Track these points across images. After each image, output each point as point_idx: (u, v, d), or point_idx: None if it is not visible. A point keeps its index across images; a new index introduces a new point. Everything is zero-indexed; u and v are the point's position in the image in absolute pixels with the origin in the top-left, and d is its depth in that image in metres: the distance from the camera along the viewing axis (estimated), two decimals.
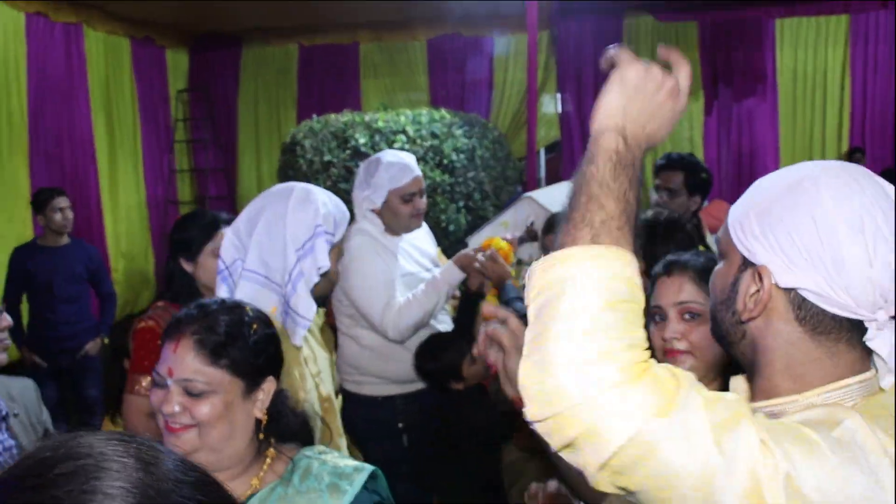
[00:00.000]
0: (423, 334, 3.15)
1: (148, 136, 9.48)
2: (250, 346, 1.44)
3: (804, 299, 0.92)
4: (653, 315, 1.61)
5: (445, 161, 5.12)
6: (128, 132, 9.02)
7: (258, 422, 1.44)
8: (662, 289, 1.61)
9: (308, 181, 5.14)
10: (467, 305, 3.03)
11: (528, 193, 3.37)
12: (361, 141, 5.10)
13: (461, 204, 5.21)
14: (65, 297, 4.60)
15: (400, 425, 3.12)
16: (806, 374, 0.94)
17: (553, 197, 3.48)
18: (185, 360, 1.42)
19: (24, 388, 2.05)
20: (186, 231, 2.59)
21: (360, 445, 3.14)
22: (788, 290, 0.93)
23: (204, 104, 10.24)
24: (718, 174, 9.47)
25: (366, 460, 2.98)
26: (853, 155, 9.08)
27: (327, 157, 5.11)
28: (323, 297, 2.13)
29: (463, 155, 5.23)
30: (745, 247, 0.97)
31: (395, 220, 3.00)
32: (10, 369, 2.07)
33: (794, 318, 0.94)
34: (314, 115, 5.55)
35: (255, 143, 10.39)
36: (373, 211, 3.01)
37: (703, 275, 1.51)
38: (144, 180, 9.46)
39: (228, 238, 2.03)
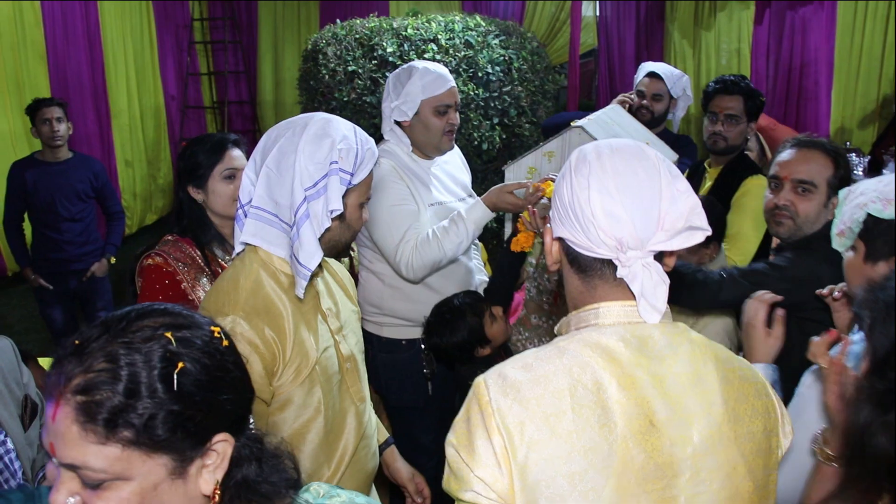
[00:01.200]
0: (458, 274, 2.88)
1: (164, 36, 9.06)
2: (173, 399, 0.96)
3: (569, 246, 1.22)
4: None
5: (480, 73, 4.70)
6: (142, 31, 8.60)
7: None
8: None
9: (331, 92, 4.79)
10: (509, 266, 2.70)
11: (579, 122, 2.98)
12: (389, 50, 4.67)
13: (496, 121, 4.82)
14: (68, 215, 4.39)
15: (425, 371, 2.91)
16: (578, 301, 1.25)
17: (605, 126, 3.10)
18: (67, 437, 0.95)
19: (1, 350, 1.83)
20: (192, 157, 2.41)
21: (380, 392, 2.96)
22: (560, 240, 1.24)
23: (224, 3, 9.73)
24: (766, 91, 8.93)
25: (385, 408, 2.76)
26: None
27: (352, 67, 4.70)
28: (343, 245, 1.83)
29: (499, 67, 4.80)
30: (550, 218, 1.27)
31: (426, 134, 2.76)
32: (16, 288, 1.83)
33: (568, 262, 1.25)
34: (338, 20, 5.10)
35: (275, 45, 9.92)
36: (401, 126, 2.77)
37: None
38: (162, 82, 9.10)
39: (245, 173, 1.77)
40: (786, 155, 2.33)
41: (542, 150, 3.07)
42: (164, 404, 0.95)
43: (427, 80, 2.69)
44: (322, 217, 1.66)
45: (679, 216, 1.15)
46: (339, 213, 1.69)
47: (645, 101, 3.84)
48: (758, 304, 1.86)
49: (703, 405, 1.13)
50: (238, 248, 1.80)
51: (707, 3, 9.42)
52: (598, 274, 1.20)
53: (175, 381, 0.97)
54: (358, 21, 5.01)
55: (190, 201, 2.44)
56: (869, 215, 1.70)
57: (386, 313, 2.87)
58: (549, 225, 1.26)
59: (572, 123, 3.03)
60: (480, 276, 3.17)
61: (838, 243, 1.78)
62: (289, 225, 1.69)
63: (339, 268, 2.05)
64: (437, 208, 2.80)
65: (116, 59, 8.05)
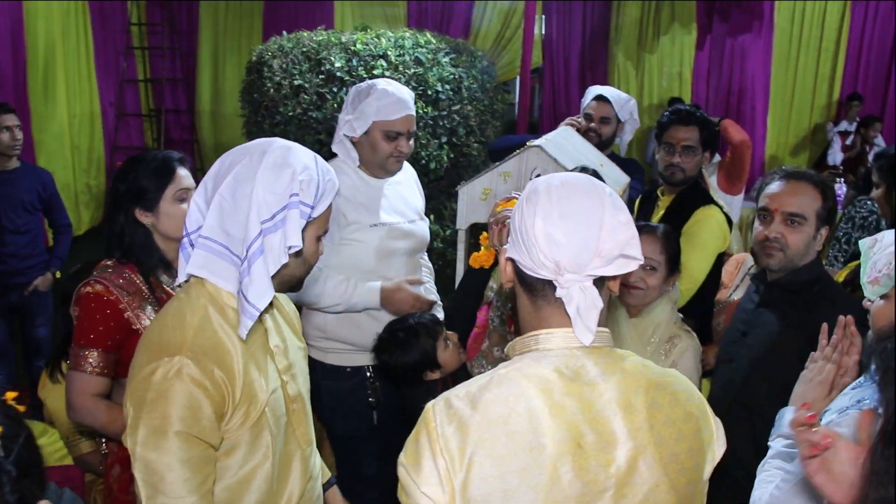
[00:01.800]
0: None
1: (102, 40, 8.76)
2: None
3: (518, 267, 1.32)
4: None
5: (429, 92, 4.63)
6: (77, 34, 8.30)
7: None
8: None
9: (276, 106, 4.65)
10: (472, 287, 2.63)
11: (536, 142, 2.94)
12: (337, 64, 4.57)
13: (444, 140, 4.76)
14: (13, 227, 4.18)
15: (370, 399, 2.82)
16: (525, 323, 1.35)
17: (562, 147, 3.07)
18: None
19: None
20: (136, 180, 2.27)
21: (323, 420, 2.86)
22: (512, 261, 1.33)
23: (162, 8, 9.47)
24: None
25: (329, 437, 2.65)
26: (851, 102, 8.75)
27: (298, 81, 4.58)
28: (297, 281, 1.74)
29: (448, 86, 4.75)
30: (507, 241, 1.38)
31: (372, 155, 2.70)
32: None
33: (519, 282, 1.34)
34: (284, 32, 4.98)
35: (215, 54, 9.70)
36: (351, 139, 2.71)
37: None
38: (98, 88, 8.79)
39: (193, 200, 1.65)
40: (775, 187, 2.33)
41: (498, 170, 3.01)
42: None
43: (383, 103, 2.63)
44: (279, 252, 1.55)
45: (615, 245, 1.25)
46: (297, 249, 1.58)
47: (593, 125, 3.81)
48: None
49: (629, 429, 1.24)
50: (181, 279, 1.67)
51: (651, 27, 9.58)
52: (541, 294, 1.31)
53: None
54: (305, 34, 4.89)
55: (134, 224, 2.30)
56: None
57: (330, 338, 2.78)
58: (506, 246, 1.37)
59: (529, 143, 2.99)
60: (430, 297, 3.10)
61: (870, 291, 1.75)
62: (240, 258, 1.57)
63: (285, 301, 1.93)
64: (383, 229, 2.73)
65: (47, 62, 7.73)
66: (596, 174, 2.59)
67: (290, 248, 1.56)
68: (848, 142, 8.43)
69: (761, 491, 1.69)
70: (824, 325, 1.88)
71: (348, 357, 2.80)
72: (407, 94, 2.70)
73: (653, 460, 1.25)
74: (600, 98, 3.85)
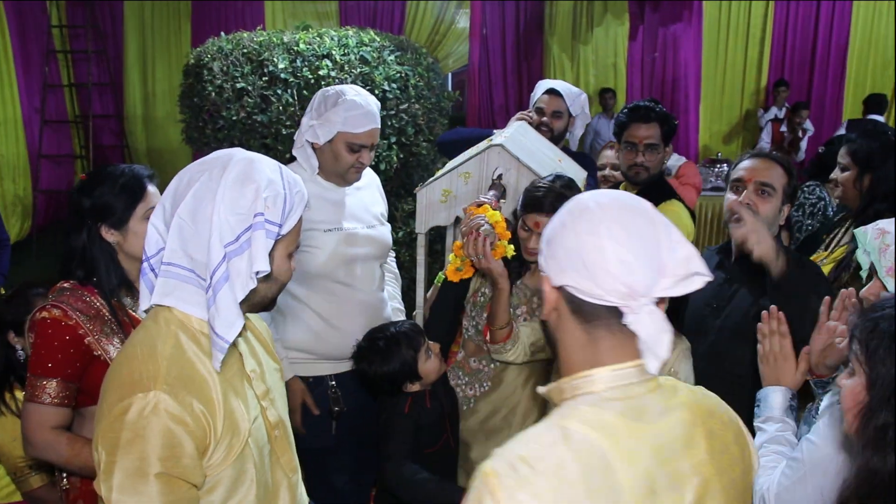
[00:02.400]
0: (363, 311, 2.76)
1: (23, 43, 8.37)
2: None
3: (572, 295, 1.20)
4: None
5: (376, 91, 4.54)
6: None
7: None
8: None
9: (218, 110, 4.49)
10: (453, 298, 2.58)
11: (497, 140, 2.88)
12: (281, 66, 4.44)
13: (393, 140, 4.68)
14: None
15: (335, 409, 2.76)
16: (573, 359, 1.24)
17: (522, 145, 3.01)
18: None
19: None
20: (104, 195, 2.16)
21: None
22: (561, 289, 1.22)
23: (84, 9, 9.11)
24: None
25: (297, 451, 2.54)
26: (778, 88, 8.97)
27: (240, 84, 4.44)
28: (269, 301, 1.63)
29: (395, 84, 4.66)
30: (542, 263, 1.27)
31: (333, 164, 2.64)
32: None
33: (570, 311, 1.23)
34: (222, 33, 4.81)
35: (143, 56, 9.39)
36: (312, 145, 2.64)
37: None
38: (20, 94, 8.40)
39: (152, 223, 1.52)
40: (748, 162, 2.47)
41: (458, 170, 2.94)
42: None
43: (350, 115, 2.56)
44: (246, 278, 1.44)
45: (679, 263, 1.18)
46: (265, 273, 1.47)
47: (545, 119, 3.74)
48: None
49: (693, 466, 1.20)
50: (144, 307, 1.56)
51: (584, 19, 9.66)
52: (603, 323, 1.21)
53: None
54: (245, 34, 4.74)
55: (100, 243, 2.18)
56: None
57: (290, 347, 2.70)
58: (543, 272, 1.26)
59: (490, 142, 2.93)
60: (393, 304, 3.03)
61: (890, 284, 1.79)
62: (206, 283, 1.46)
63: (257, 320, 1.82)
64: (339, 234, 2.68)
65: None
66: (572, 182, 2.56)
67: (256, 273, 1.45)
68: (782, 129, 8.65)
69: (766, 478, 1.72)
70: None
71: (309, 367, 2.74)
72: (374, 107, 2.65)
73: (717, 491, 1.22)
74: (552, 92, 3.75)
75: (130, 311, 2.22)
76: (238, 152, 1.54)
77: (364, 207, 2.80)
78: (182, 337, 1.49)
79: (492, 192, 2.69)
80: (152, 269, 1.52)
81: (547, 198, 2.46)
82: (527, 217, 2.49)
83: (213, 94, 4.48)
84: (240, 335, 1.59)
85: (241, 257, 1.44)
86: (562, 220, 1.24)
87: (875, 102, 7.92)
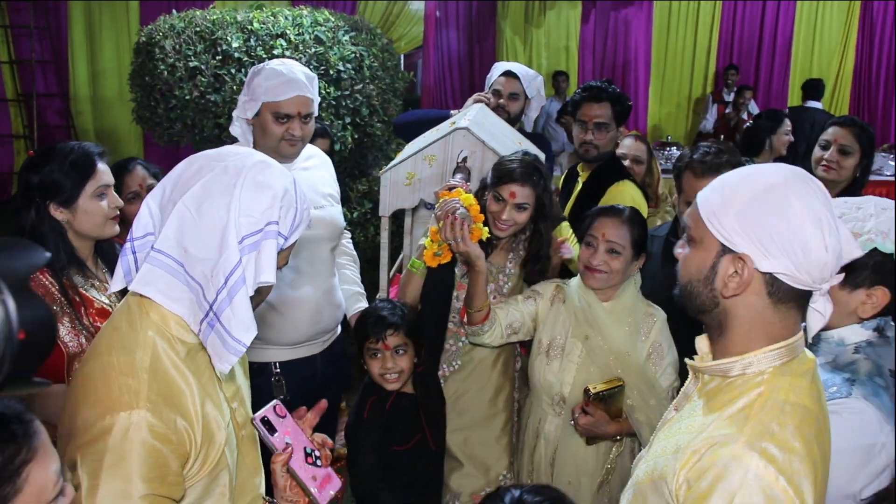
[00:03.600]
0: (310, 300, 2.71)
1: None
2: None
3: (775, 279, 1.23)
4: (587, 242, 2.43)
5: (331, 71, 4.52)
6: None
7: None
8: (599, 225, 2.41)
9: (170, 90, 4.43)
10: (440, 291, 2.58)
11: (462, 124, 2.90)
12: (234, 45, 4.39)
13: (347, 120, 4.67)
14: None
15: (280, 397, 2.65)
16: (754, 336, 1.28)
17: (485, 128, 3.04)
18: None
19: None
20: (53, 172, 2.13)
21: None
22: (765, 273, 1.24)
23: None
24: None
25: None
26: (728, 71, 9.15)
27: (193, 63, 4.38)
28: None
29: (350, 65, 4.64)
30: (725, 238, 1.26)
31: (263, 138, 2.56)
32: None
33: (766, 293, 1.25)
34: (174, 11, 4.74)
35: (90, 33, 9.14)
36: (247, 122, 2.58)
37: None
38: None
39: (147, 203, 1.45)
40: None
41: (423, 153, 2.95)
42: None
43: (271, 84, 2.49)
44: (249, 285, 1.38)
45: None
46: (269, 285, 1.41)
47: (502, 101, 3.77)
48: None
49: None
50: (116, 287, 1.47)
51: (537, 2, 9.70)
52: (794, 304, 1.27)
53: None
54: (198, 13, 4.66)
55: (49, 221, 2.15)
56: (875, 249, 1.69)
57: None
58: (732, 252, 1.26)
59: (454, 125, 2.95)
60: (353, 288, 3.03)
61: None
62: (198, 282, 1.38)
63: None
64: None
65: None
66: (539, 158, 2.60)
67: (261, 281, 1.38)
68: (728, 111, 8.84)
69: None
70: None
71: (252, 353, 2.63)
72: (301, 75, 2.54)
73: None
74: (509, 74, 3.77)
75: (82, 290, 2.20)
76: (255, 153, 1.48)
77: (312, 187, 2.71)
78: (159, 344, 1.40)
79: (459, 175, 2.71)
80: (133, 252, 1.44)
81: (519, 168, 2.50)
82: (501, 188, 2.51)
83: (166, 72, 4.41)
84: None
85: (250, 261, 1.38)
86: (754, 195, 1.24)
87: (812, 87, 8.13)
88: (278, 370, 2.70)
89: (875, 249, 1.66)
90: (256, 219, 1.37)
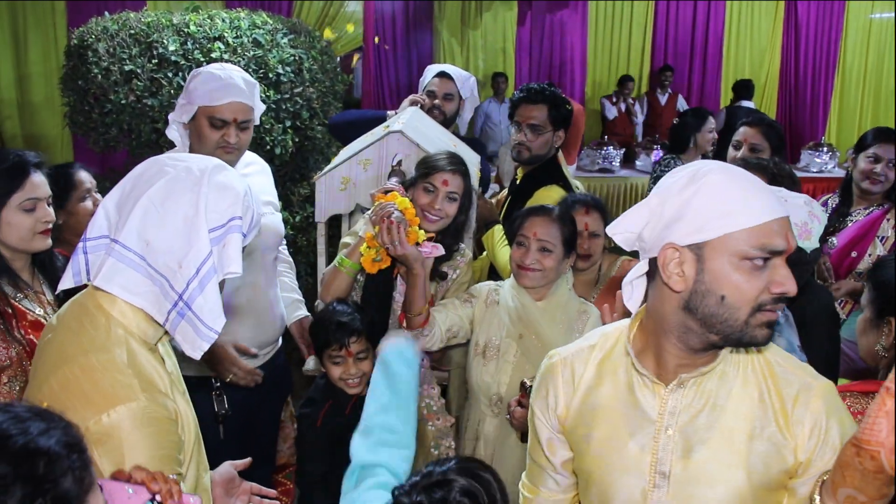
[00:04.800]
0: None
1: None
2: None
3: None
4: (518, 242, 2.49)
5: (270, 74, 4.48)
6: None
7: None
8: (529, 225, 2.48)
9: (105, 94, 4.33)
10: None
11: (396, 127, 2.92)
12: (171, 48, 4.31)
13: (288, 124, 4.62)
14: None
15: (219, 412, 2.63)
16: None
17: (419, 131, 3.06)
18: None
19: None
20: None
21: None
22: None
23: None
24: None
25: None
26: (664, 72, 9.37)
27: (129, 66, 4.28)
28: None
29: (289, 67, 4.60)
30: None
31: (198, 144, 2.52)
32: None
33: None
34: (106, 13, 4.62)
35: (15, 36, 8.83)
36: (184, 126, 2.55)
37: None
38: None
39: (103, 204, 1.48)
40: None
41: (357, 158, 2.95)
42: None
43: (208, 88, 2.45)
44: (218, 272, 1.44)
45: None
46: (237, 275, 1.45)
47: (437, 102, 3.77)
48: None
49: None
50: (66, 286, 1.49)
51: (473, 4, 9.78)
52: None
53: None
54: (132, 15, 4.55)
55: None
56: None
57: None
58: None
59: (388, 128, 2.96)
60: (292, 296, 2.99)
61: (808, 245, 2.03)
62: (162, 275, 1.41)
63: None
64: None
65: None
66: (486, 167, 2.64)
67: (228, 272, 1.45)
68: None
69: None
70: None
71: (190, 367, 2.62)
72: (240, 80, 2.51)
73: None
74: (443, 75, 3.80)
75: (13, 301, 2.15)
76: (213, 158, 1.55)
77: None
78: (131, 341, 1.43)
79: (394, 179, 2.72)
80: (85, 252, 1.46)
81: (449, 158, 2.57)
82: (433, 178, 2.55)
83: (100, 76, 4.30)
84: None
85: (217, 252, 1.44)
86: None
87: (743, 87, 8.41)
88: (218, 384, 2.64)
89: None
90: (221, 214, 1.44)
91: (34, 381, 1.45)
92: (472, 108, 4.02)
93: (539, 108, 3.25)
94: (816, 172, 7.88)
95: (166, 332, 1.51)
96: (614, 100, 9.21)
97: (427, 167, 2.59)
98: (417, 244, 2.41)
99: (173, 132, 2.59)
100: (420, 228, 2.44)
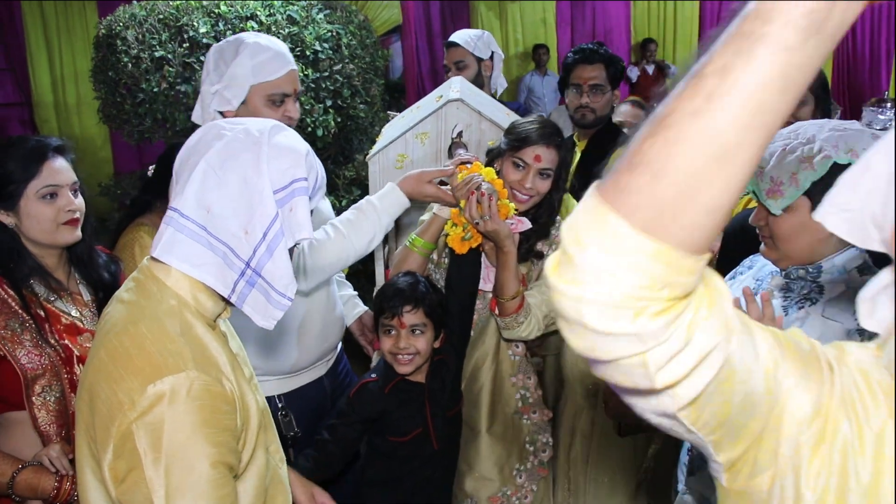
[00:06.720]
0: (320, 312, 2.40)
1: None
2: None
3: None
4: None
5: (308, 52, 4.24)
6: None
7: None
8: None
9: (136, 83, 4.12)
10: (461, 269, 2.26)
11: (455, 95, 2.65)
12: (202, 31, 4.09)
13: (328, 103, 4.38)
14: None
15: (290, 433, 2.33)
16: None
17: (475, 98, 2.79)
18: None
19: None
20: (1, 167, 1.86)
21: None
22: None
23: None
24: None
25: None
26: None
27: (159, 52, 4.07)
28: None
29: (327, 44, 4.36)
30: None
31: None
32: None
33: None
34: (134, 1, 4.42)
35: (47, 39, 8.77)
36: (223, 115, 2.18)
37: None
38: None
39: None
40: None
41: (413, 132, 2.69)
42: None
43: (259, 60, 2.13)
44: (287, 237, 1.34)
45: None
46: (308, 239, 1.35)
47: (450, 74, 3.64)
48: None
49: None
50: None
51: None
52: None
53: None
54: (160, 1, 4.35)
55: (2, 227, 1.89)
56: (835, 164, 1.51)
57: None
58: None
59: (442, 98, 2.70)
60: (346, 292, 2.76)
61: (774, 206, 1.58)
62: (218, 240, 1.29)
63: None
64: None
65: None
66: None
67: (299, 236, 1.35)
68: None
69: None
70: None
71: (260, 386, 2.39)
72: (281, 46, 2.23)
73: None
74: (449, 45, 3.74)
75: (45, 304, 1.93)
76: (270, 119, 1.44)
77: None
78: (185, 313, 1.32)
79: (461, 150, 2.47)
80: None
81: (542, 128, 2.24)
82: (523, 152, 2.24)
83: (130, 65, 4.10)
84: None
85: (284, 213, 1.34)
86: None
87: None
88: (282, 403, 2.34)
89: (835, 164, 1.50)
90: (283, 174, 1.33)
91: (89, 355, 1.36)
92: (499, 64, 3.86)
93: (597, 67, 3.18)
94: (880, 130, 7.42)
95: (226, 308, 1.42)
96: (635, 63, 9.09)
97: (516, 139, 2.27)
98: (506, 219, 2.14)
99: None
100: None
